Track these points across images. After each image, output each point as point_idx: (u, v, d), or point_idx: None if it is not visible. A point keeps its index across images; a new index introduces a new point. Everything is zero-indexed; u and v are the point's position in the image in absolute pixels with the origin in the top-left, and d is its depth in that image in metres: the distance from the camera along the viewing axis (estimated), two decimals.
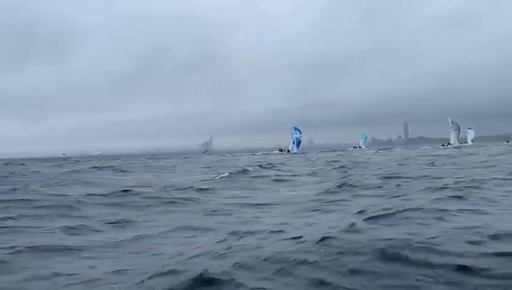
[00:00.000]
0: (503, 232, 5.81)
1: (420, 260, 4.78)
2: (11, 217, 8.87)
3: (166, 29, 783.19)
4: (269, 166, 27.77)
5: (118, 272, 5.16)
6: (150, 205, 10.72)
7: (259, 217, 8.75)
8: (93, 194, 12.36)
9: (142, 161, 49.48)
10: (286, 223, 7.62)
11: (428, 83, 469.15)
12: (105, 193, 12.77)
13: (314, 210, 9.26)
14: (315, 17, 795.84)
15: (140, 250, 6.34)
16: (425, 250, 5.11)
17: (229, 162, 39.81)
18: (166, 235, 7.28)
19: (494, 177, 13.70)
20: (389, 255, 4.93)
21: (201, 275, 4.47)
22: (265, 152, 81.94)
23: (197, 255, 5.54)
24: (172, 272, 4.79)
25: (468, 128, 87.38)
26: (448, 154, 37.78)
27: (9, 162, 53.97)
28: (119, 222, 8.49)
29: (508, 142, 79.72)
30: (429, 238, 5.58)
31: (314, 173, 20.93)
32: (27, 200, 11.38)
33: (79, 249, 6.33)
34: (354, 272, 4.54)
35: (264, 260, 5.04)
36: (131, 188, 13.67)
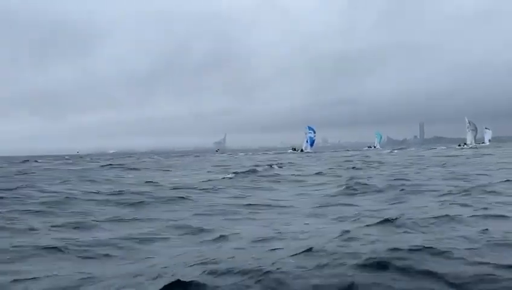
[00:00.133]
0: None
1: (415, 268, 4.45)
2: None
3: (185, 28, 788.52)
4: (279, 165, 27.53)
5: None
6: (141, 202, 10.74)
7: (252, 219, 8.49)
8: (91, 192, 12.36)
9: (155, 159, 49.73)
10: (274, 230, 7.23)
11: (446, 82, 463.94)
12: (104, 191, 12.71)
13: (308, 216, 8.81)
14: (334, 16, 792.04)
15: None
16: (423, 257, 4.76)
17: (239, 161, 39.66)
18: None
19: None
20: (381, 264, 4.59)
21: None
22: (279, 151, 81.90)
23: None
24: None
25: (486, 128, 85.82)
26: (461, 155, 36.99)
27: (26, 160, 55.00)
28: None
29: None
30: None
31: (322, 173, 20.57)
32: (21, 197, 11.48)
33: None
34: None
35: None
36: (130, 187, 13.60)
